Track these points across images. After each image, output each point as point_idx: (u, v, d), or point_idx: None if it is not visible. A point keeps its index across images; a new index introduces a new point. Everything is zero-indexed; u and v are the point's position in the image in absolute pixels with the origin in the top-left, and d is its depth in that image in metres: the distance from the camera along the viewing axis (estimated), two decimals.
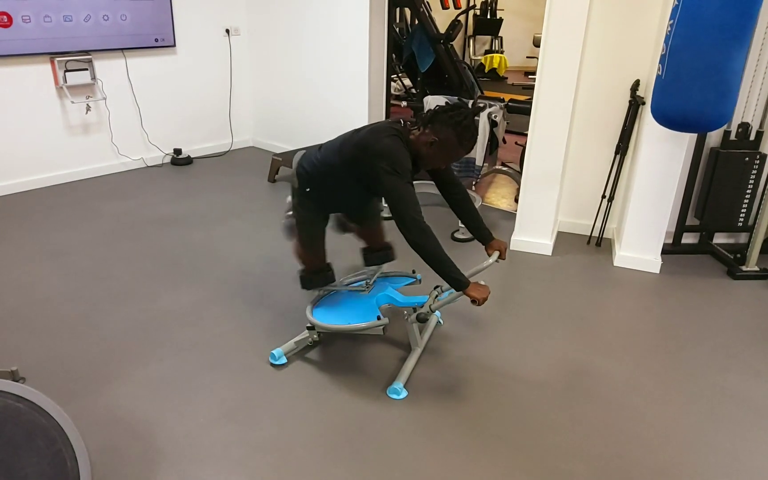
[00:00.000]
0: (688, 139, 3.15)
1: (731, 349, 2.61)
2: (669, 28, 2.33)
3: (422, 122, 2.18)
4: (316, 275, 2.52)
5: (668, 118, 2.41)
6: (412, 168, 2.15)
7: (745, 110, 3.31)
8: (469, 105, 2.34)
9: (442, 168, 2.30)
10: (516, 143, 5.63)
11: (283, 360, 2.39)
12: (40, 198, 4.13)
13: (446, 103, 2.20)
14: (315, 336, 2.50)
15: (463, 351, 2.52)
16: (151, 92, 4.81)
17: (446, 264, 2.03)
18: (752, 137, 3.30)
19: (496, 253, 2.37)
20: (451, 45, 5.44)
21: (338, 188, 2.29)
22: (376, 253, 2.70)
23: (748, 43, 2.24)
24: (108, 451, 1.92)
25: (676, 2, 2.28)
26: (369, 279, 2.63)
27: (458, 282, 2.04)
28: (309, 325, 2.47)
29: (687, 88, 2.26)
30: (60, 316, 2.67)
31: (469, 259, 3.34)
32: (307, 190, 2.34)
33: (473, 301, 2.03)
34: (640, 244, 3.32)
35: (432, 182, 2.41)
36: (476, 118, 2.23)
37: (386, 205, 3.99)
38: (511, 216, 4.02)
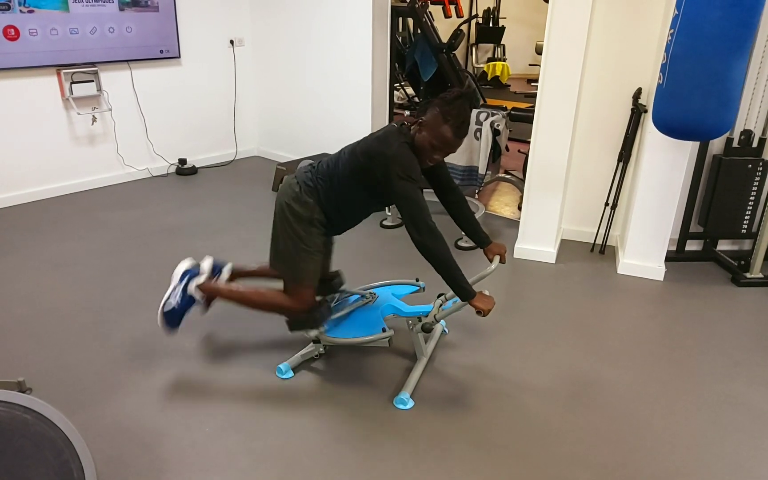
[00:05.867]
0: (691, 146, 3.16)
1: (736, 356, 2.61)
2: (669, 37, 2.34)
3: (419, 113, 2.17)
4: (319, 309, 2.33)
5: (669, 127, 2.41)
6: None
7: (748, 117, 3.32)
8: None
9: (436, 159, 2.16)
10: (519, 151, 5.65)
11: (290, 374, 2.39)
12: (47, 208, 4.16)
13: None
14: (321, 349, 2.51)
15: (468, 360, 2.53)
16: (156, 103, 4.85)
17: (455, 271, 2.02)
18: (755, 144, 3.30)
19: (497, 259, 2.36)
20: (454, 54, 5.47)
21: (344, 203, 2.22)
22: (331, 281, 2.55)
23: (749, 52, 2.25)
24: (114, 461, 1.93)
25: (677, 11, 2.29)
26: (365, 292, 2.60)
27: (465, 291, 2.04)
28: (315, 337, 2.48)
29: (688, 97, 2.27)
30: (66, 326, 2.69)
31: (473, 267, 3.34)
32: (325, 212, 2.22)
33: (478, 312, 2.04)
34: (643, 252, 3.32)
35: (431, 190, 2.41)
36: (469, 104, 2.10)
37: (389, 214, 4.02)
38: (514, 224, 4.02)
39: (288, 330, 2.36)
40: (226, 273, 2.53)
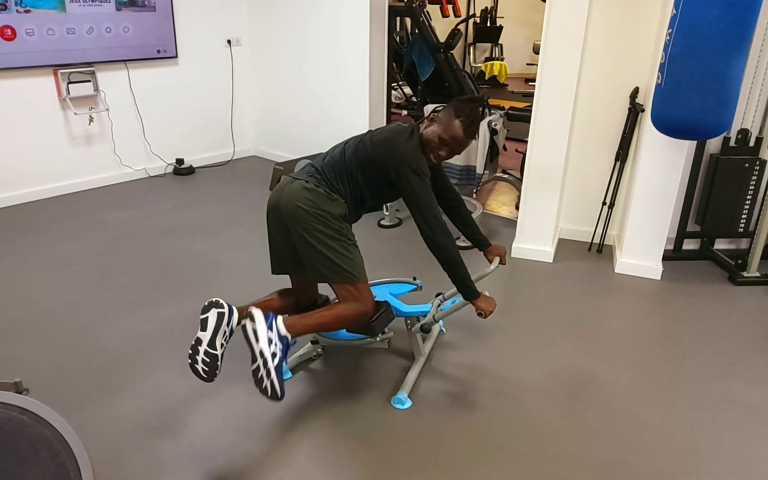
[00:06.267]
0: (688, 145, 3.16)
1: (733, 355, 2.61)
2: (668, 37, 2.34)
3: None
4: (379, 306, 2.19)
5: (668, 126, 2.42)
6: None
7: (745, 116, 3.32)
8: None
9: (441, 156, 2.14)
10: (516, 150, 5.65)
11: (289, 375, 2.39)
12: (44, 209, 4.15)
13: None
14: (319, 349, 2.50)
15: (466, 359, 2.53)
16: (153, 103, 4.84)
17: (462, 269, 2.03)
18: (752, 143, 3.31)
19: (497, 259, 2.37)
20: (451, 53, 5.47)
21: (353, 199, 2.17)
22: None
23: (747, 51, 2.25)
24: (112, 462, 1.93)
25: (675, 11, 2.29)
26: None
27: (470, 290, 2.04)
28: (313, 338, 2.47)
29: (686, 97, 2.27)
30: (64, 327, 2.69)
31: (471, 267, 3.33)
32: (348, 205, 2.14)
33: (479, 313, 2.04)
34: (641, 251, 3.33)
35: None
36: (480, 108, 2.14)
37: (387, 213, 4.02)
38: (512, 223, 4.02)
39: (371, 336, 2.20)
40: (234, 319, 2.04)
